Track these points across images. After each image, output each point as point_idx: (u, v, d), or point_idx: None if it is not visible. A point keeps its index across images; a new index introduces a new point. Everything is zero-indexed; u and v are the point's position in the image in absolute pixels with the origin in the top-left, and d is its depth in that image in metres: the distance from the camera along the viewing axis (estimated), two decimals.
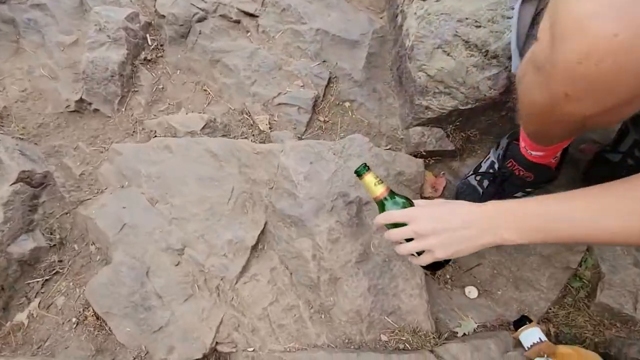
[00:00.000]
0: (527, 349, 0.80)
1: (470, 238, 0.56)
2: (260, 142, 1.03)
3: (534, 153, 0.74)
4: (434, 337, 0.82)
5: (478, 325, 0.88)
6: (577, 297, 0.90)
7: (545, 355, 0.78)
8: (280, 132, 1.05)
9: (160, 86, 1.15)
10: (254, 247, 0.89)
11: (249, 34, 1.18)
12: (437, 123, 0.93)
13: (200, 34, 1.17)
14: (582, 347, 0.83)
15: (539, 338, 0.79)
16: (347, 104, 1.10)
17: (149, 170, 0.96)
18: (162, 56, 1.18)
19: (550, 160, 0.76)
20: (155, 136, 1.05)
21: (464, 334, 0.86)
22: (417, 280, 0.84)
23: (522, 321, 0.85)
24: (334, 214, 0.83)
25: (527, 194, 0.84)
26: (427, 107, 0.90)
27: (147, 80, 1.13)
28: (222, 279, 0.86)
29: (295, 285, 0.86)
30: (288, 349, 0.81)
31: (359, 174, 0.68)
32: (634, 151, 0.82)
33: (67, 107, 1.07)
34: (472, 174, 0.90)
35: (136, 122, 1.09)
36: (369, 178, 0.67)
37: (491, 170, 0.86)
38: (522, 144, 0.76)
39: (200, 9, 1.17)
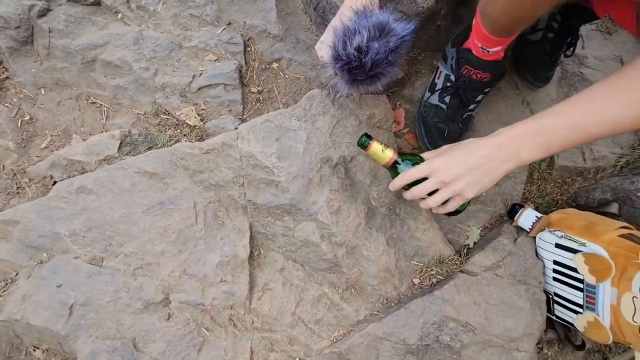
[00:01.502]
0: (529, 230, 0.87)
1: (493, 170, 0.58)
2: (198, 140, 0.85)
3: (491, 50, 0.74)
4: (457, 258, 0.83)
5: (481, 229, 0.92)
6: (541, 170, 1.00)
7: (546, 228, 0.86)
8: (216, 121, 0.87)
9: (26, 117, 0.84)
10: (251, 257, 0.76)
11: (119, 15, 0.91)
12: None
13: (50, 32, 0.87)
14: (561, 209, 0.94)
15: (536, 216, 0.86)
16: (275, 65, 0.96)
17: (70, 226, 0.71)
18: (8, 77, 0.85)
19: (502, 54, 0.78)
20: (55, 182, 0.78)
21: (475, 243, 0.90)
22: (424, 215, 0.83)
23: (513, 209, 0.91)
24: (325, 184, 0.74)
25: (486, 95, 0.86)
26: None
27: (2, 115, 0.81)
28: (231, 307, 0.72)
29: (312, 274, 0.77)
30: (335, 340, 0.74)
31: (363, 145, 0.66)
32: (551, 24, 0.89)
33: None
34: (431, 95, 0.88)
35: (14, 175, 0.79)
36: (375, 146, 0.65)
37: (449, 84, 0.85)
38: (476, 44, 0.75)
39: None
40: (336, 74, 0.68)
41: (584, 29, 1.08)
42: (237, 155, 0.74)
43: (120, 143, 0.78)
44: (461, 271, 0.81)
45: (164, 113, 0.87)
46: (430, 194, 0.63)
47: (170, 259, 0.72)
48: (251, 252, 0.76)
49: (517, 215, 0.89)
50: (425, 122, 0.89)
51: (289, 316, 0.73)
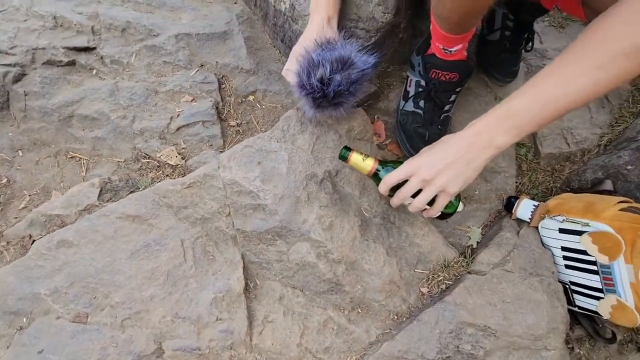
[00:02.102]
0: (529, 220, 0.85)
1: (472, 161, 0.57)
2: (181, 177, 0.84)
3: (452, 50, 0.77)
4: (463, 260, 0.79)
5: (481, 228, 0.90)
6: (528, 161, 1.00)
7: (546, 216, 0.84)
8: (198, 157, 0.87)
9: (3, 180, 0.82)
10: (246, 289, 0.71)
11: (94, 71, 0.94)
12: None
13: (26, 95, 0.88)
14: (556, 195, 0.93)
15: (533, 205, 0.84)
16: (251, 98, 0.98)
17: (51, 284, 0.67)
18: None
19: (464, 53, 0.80)
20: (34, 241, 0.75)
21: (477, 242, 0.87)
22: (420, 220, 0.80)
23: (510, 203, 0.90)
24: (313, 201, 0.72)
25: (458, 95, 0.88)
26: None
27: None
28: (231, 347, 0.66)
29: (314, 298, 0.73)
30: None
31: (343, 157, 0.66)
32: (506, 23, 0.94)
33: None
34: (406, 102, 0.90)
35: None
36: (355, 157, 0.66)
37: (420, 89, 0.87)
38: (438, 47, 0.78)
39: (9, 65, 0.87)
40: (303, 97, 0.70)
41: (539, 26, 1.14)
42: (221, 185, 0.72)
43: (100, 190, 0.77)
44: (469, 272, 0.77)
45: (145, 157, 0.87)
46: (415, 196, 0.62)
47: (160, 303, 0.67)
48: (246, 283, 0.71)
49: (514, 208, 0.87)
50: (405, 129, 0.90)
51: (294, 348, 0.68)
